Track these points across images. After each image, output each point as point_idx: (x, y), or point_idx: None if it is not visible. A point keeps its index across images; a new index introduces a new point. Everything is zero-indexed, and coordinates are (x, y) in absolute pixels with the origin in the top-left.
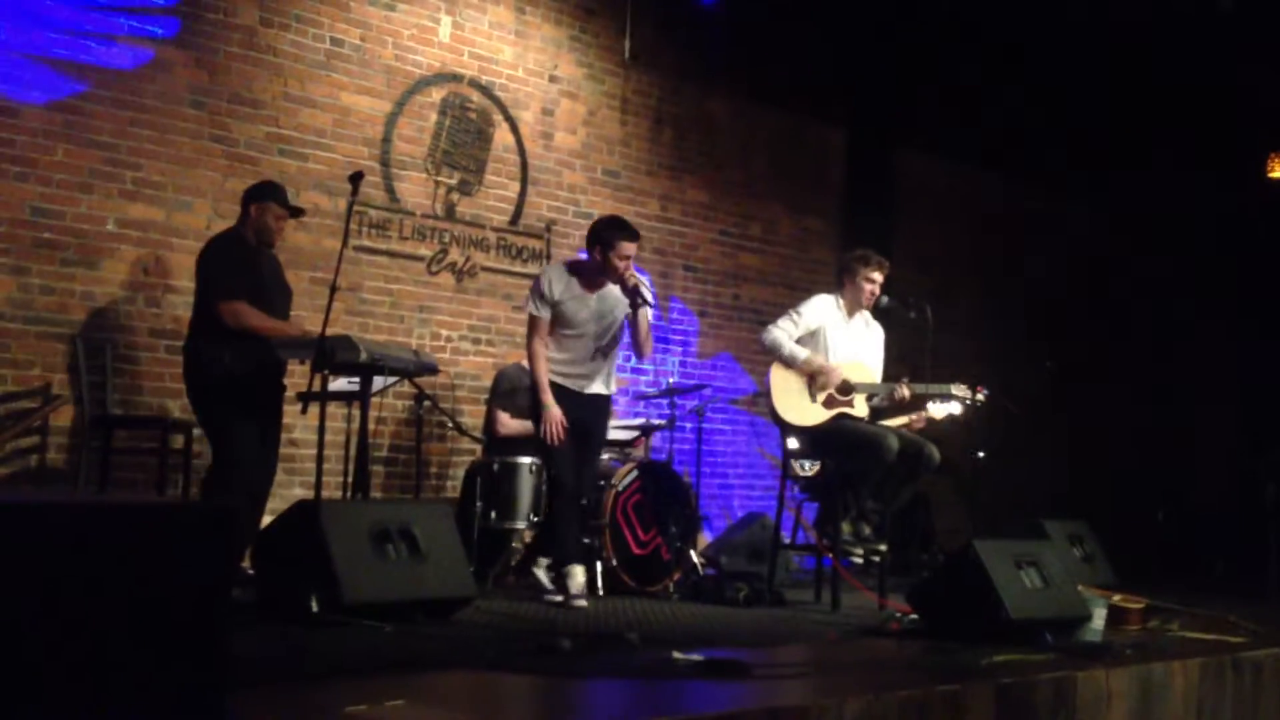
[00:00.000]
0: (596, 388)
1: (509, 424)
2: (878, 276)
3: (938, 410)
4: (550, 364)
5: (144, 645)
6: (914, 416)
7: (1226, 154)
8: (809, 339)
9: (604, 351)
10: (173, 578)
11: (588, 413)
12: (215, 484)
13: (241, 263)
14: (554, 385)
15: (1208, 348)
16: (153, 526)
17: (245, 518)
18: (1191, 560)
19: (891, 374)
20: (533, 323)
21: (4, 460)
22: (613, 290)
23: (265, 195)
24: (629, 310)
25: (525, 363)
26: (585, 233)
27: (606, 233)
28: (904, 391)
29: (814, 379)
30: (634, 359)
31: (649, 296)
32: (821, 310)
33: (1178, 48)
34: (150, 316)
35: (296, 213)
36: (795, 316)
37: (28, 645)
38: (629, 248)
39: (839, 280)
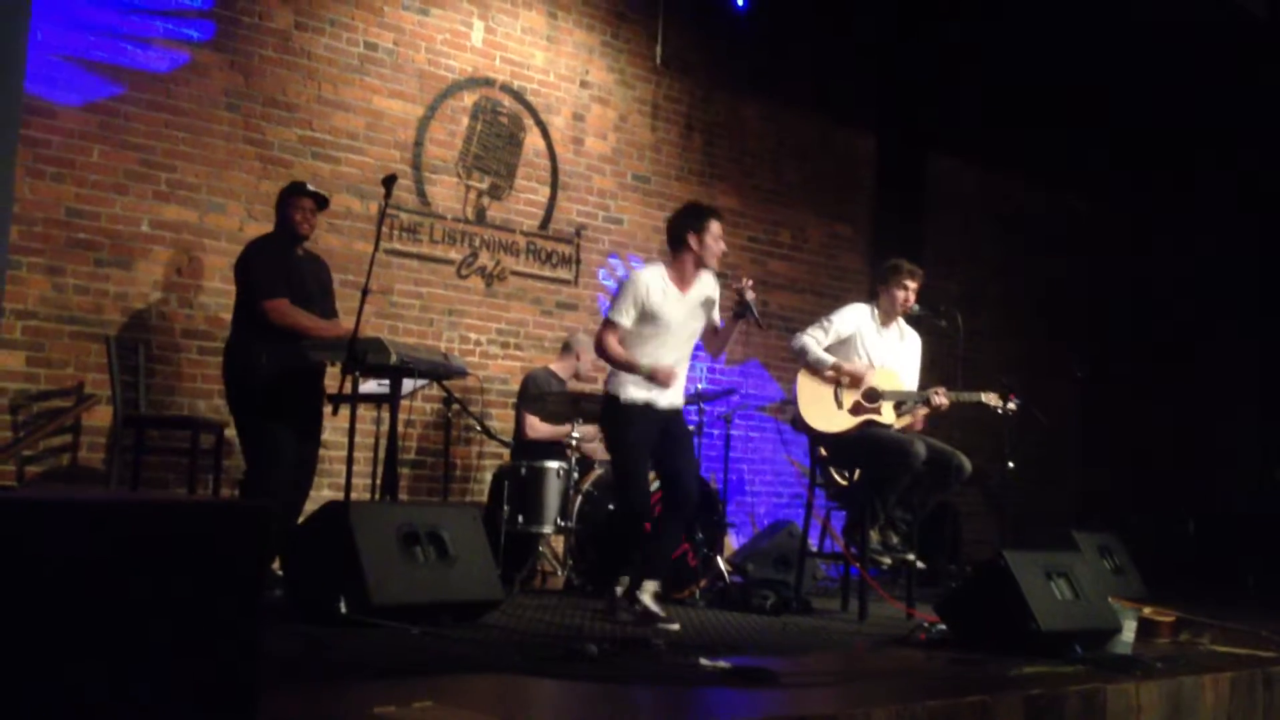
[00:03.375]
0: (675, 400)
1: (538, 427)
2: (912, 284)
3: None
4: (630, 377)
5: (176, 643)
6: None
7: (1262, 158)
8: (841, 347)
9: (684, 355)
10: (205, 576)
11: (665, 426)
12: (251, 486)
13: (280, 263)
14: (634, 403)
15: (1240, 356)
16: (186, 525)
17: (278, 519)
18: (1223, 572)
19: (923, 382)
20: (611, 327)
21: (37, 458)
22: (702, 287)
23: (286, 193)
24: (731, 313)
25: (554, 366)
26: (615, 238)
27: (692, 220)
28: (942, 400)
29: (841, 384)
30: None
31: (754, 309)
32: (855, 319)
33: (1212, 52)
34: (183, 317)
35: (321, 200)
36: (826, 324)
37: (61, 641)
38: (718, 226)
39: (873, 290)
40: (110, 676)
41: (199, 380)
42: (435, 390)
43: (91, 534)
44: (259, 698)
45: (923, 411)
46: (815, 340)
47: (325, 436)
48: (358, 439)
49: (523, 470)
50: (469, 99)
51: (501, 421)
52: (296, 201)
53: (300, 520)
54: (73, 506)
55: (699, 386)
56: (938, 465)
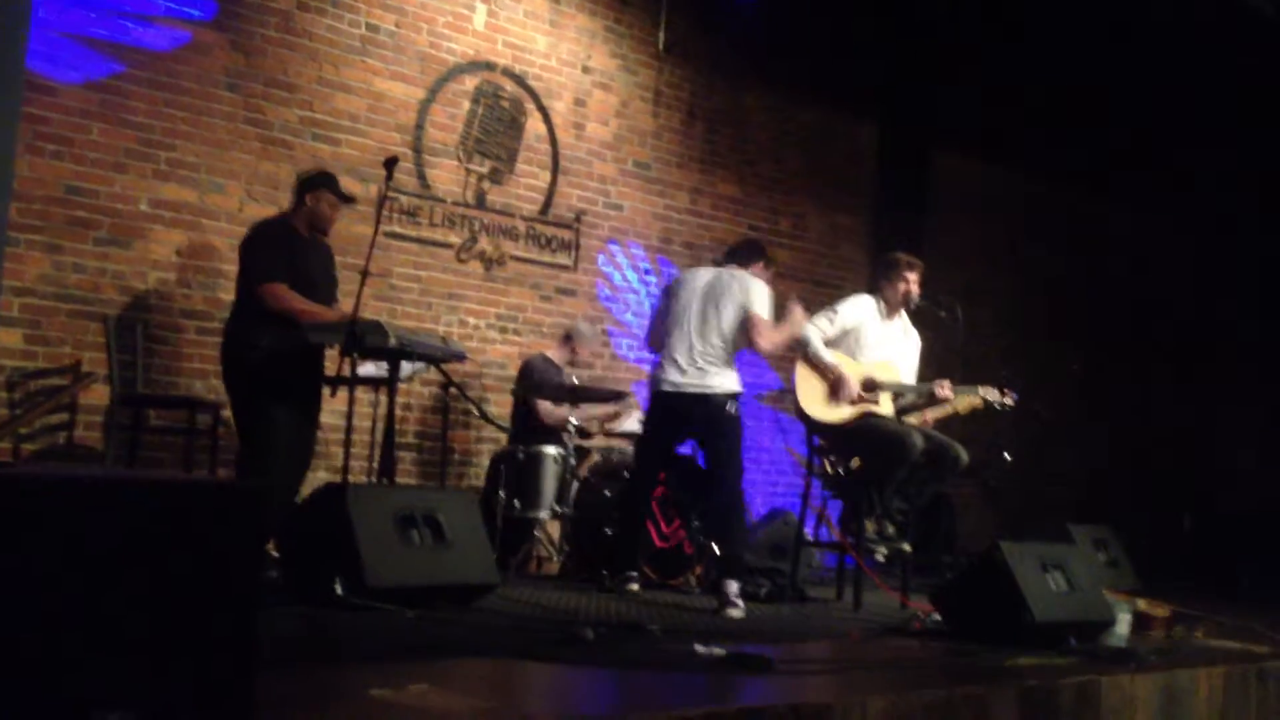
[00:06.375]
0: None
1: (554, 412)
2: (913, 277)
3: (959, 402)
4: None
5: (172, 623)
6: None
7: (1265, 155)
8: (844, 338)
9: None
10: (201, 556)
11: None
12: (248, 468)
13: (284, 247)
14: None
15: (1237, 351)
16: (183, 504)
17: (275, 501)
18: (1218, 567)
19: (923, 374)
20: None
21: (34, 436)
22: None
23: (320, 184)
24: None
25: (550, 353)
26: (615, 224)
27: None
28: (946, 392)
29: (834, 383)
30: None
31: None
32: (860, 309)
33: (1218, 49)
34: (181, 297)
35: (349, 200)
36: (831, 314)
37: (57, 620)
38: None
39: (875, 283)
40: (105, 655)
41: (196, 360)
42: (433, 374)
43: (87, 511)
44: (253, 681)
45: (934, 414)
46: (819, 331)
47: (323, 419)
48: (355, 422)
49: (520, 455)
50: (470, 82)
51: (499, 406)
52: (328, 197)
53: (297, 502)
54: (68, 483)
55: None
56: (935, 456)
